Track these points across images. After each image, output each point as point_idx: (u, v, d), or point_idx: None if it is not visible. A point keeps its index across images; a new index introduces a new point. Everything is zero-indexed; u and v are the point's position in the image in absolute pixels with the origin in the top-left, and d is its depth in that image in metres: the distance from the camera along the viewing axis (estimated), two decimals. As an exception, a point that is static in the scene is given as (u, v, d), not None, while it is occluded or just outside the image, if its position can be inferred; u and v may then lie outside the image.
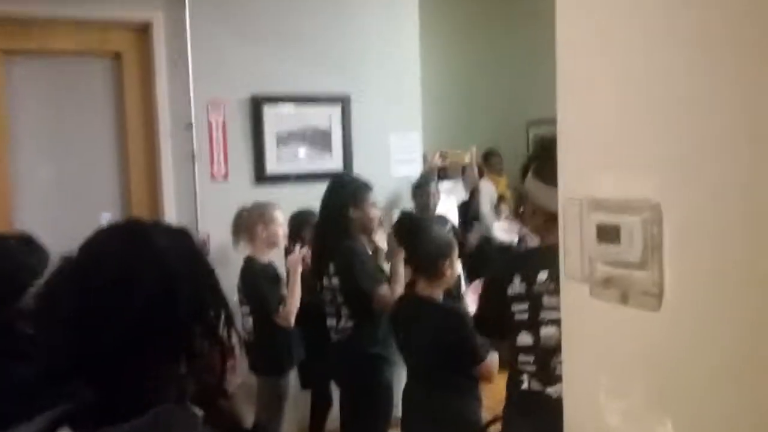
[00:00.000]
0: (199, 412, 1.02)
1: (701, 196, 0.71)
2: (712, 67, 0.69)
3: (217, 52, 3.81)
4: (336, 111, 4.14)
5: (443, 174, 5.15)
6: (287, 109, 4.03)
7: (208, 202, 3.81)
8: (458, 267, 2.89)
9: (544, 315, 1.92)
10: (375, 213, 3.14)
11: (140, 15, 3.69)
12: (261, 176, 3.97)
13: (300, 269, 3.22)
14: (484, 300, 2.29)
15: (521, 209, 2.20)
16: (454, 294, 3.07)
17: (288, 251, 3.46)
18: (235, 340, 1.09)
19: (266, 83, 3.95)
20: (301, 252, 3.27)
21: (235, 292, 3.33)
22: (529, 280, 1.97)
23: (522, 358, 1.99)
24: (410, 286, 2.87)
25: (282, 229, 3.44)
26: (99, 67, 3.76)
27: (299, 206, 3.69)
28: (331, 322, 3.12)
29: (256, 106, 3.94)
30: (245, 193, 3.78)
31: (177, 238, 1.06)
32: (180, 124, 3.76)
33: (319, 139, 4.13)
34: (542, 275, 1.94)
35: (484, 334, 2.45)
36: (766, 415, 0.66)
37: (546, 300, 1.92)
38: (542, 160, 1.96)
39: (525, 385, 1.97)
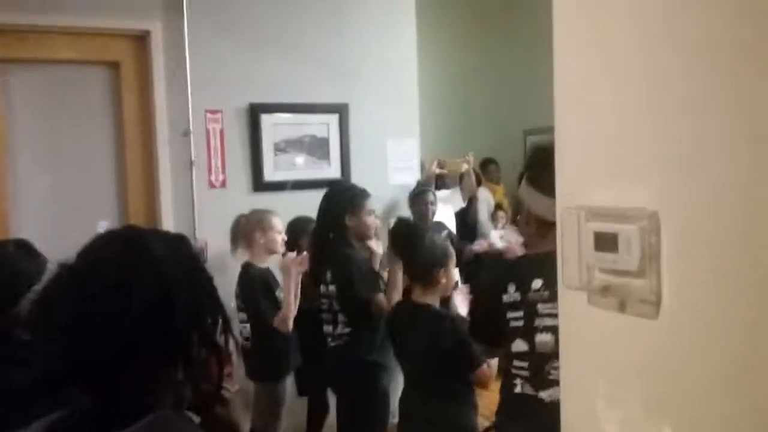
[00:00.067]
0: (196, 418, 1.02)
1: (699, 205, 0.71)
2: (710, 72, 0.69)
3: (215, 61, 3.82)
4: (334, 119, 4.15)
5: (441, 182, 5.15)
6: (285, 117, 4.03)
7: (205, 210, 3.81)
8: (456, 275, 2.89)
9: (539, 322, 1.92)
10: (372, 220, 3.14)
11: (139, 24, 3.70)
12: (259, 184, 3.97)
13: (295, 272, 3.11)
14: (478, 307, 2.29)
15: (518, 217, 2.20)
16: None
17: (286, 258, 3.45)
18: (232, 346, 1.09)
19: (264, 91, 3.95)
20: (299, 257, 3.15)
21: (232, 299, 3.32)
22: (524, 288, 1.97)
23: (517, 363, 2.00)
24: (407, 293, 2.87)
25: (281, 236, 3.43)
26: (97, 76, 3.76)
27: (297, 214, 3.69)
28: (327, 328, 3.11)
29: (254, 114, 3.94)
30: (243, 200, 3.79)
31: (174, 246, 1.06)
32: (178, 132, 3.76)
33: (317, 147, 4.13)
34: (536, 283, 1.93)
35: (477, 341, 2.45)
36: (764, 422, 0.66)
37: (541, 307, 1.92)
38: (536, 168, 1.97)
39: (518, 389, 1.97)
